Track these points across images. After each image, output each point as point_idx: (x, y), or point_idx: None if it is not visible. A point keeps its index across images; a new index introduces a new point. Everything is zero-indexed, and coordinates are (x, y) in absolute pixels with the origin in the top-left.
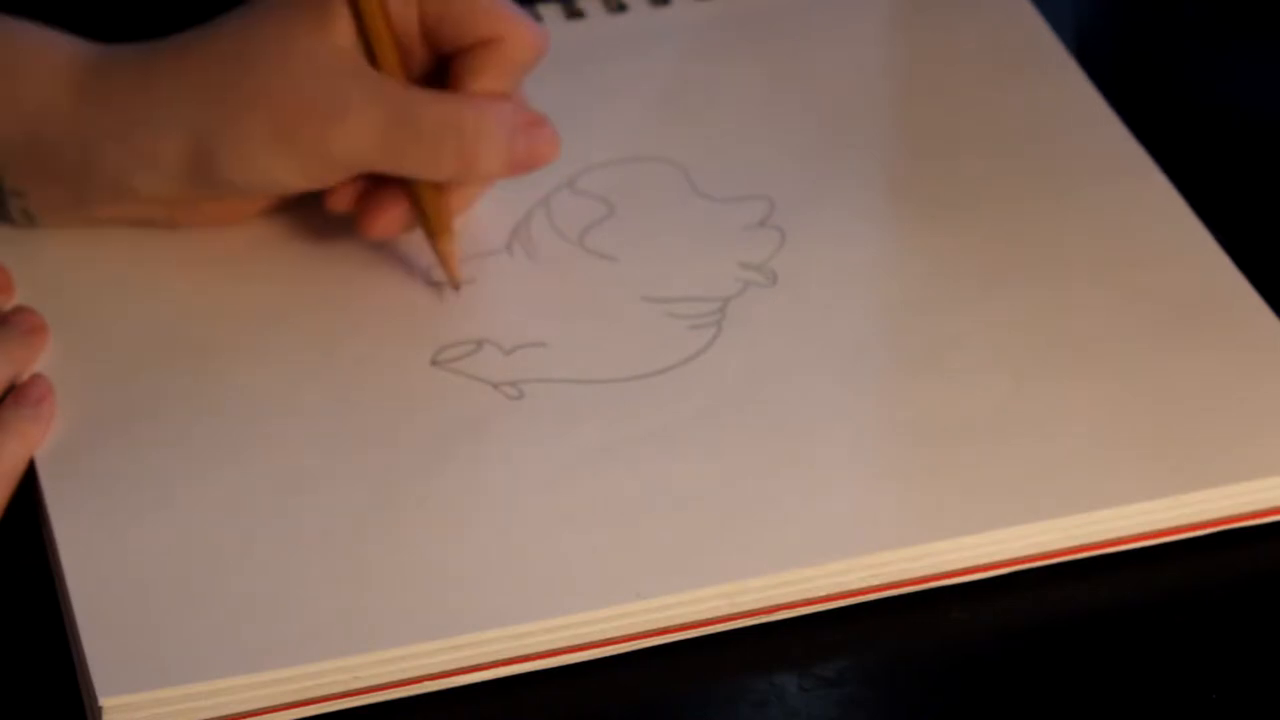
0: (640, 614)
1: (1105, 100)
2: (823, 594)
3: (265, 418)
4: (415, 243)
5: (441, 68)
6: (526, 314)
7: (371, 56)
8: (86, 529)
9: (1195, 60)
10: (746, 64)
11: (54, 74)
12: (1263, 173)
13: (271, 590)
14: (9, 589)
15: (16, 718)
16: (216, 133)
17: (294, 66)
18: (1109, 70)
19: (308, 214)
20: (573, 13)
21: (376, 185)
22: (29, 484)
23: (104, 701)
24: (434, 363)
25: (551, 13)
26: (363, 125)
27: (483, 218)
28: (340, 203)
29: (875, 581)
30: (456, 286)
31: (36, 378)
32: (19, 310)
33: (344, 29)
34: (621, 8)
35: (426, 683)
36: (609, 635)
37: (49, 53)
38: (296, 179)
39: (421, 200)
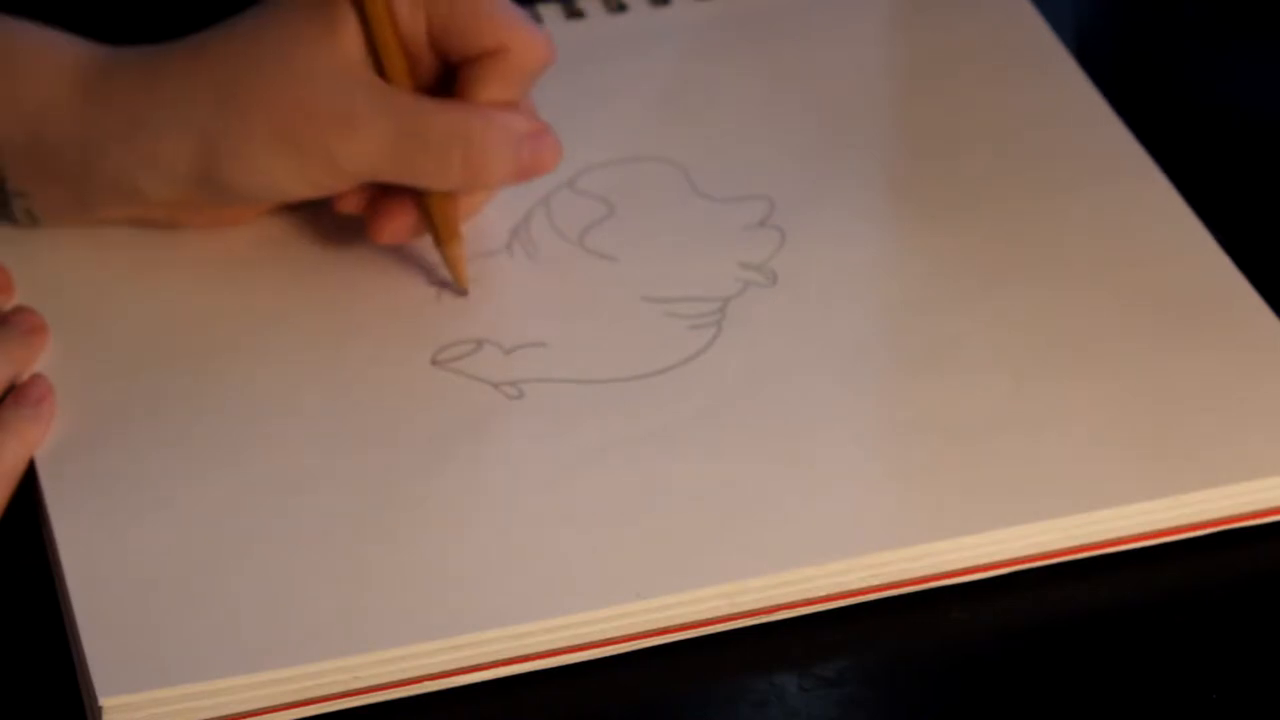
0: (640, 614)
1: (1105, 100)
2: (823, 594)
3: (265, 418)
4: (415, 243)
5: (448, 76)
6: (526, 314)
7: (379, 65)
8: (86, 529)
9: (1195, 60)
10: (746, 64)
11: (58, 75)
12: (1263, 173)
13: (271, 590)
14: (9, 589)
15: (16, 718)
16: (222, 139)
17: (301, 76)
18: (1109, 70)
19: (308, 215)
20: (573, 13)
21: (385, 191)
22: (29, 484)
23: (104, 701)
24: (434, 362)
25: (551, 13)
26: (370, 136)
27: (483, 218)
28: (349, 205)
29: (875, 581)
30: (464, 292)
31: (36, 378)
32: (19, 310)
33: (351, 38)
34: (621, 8)
35: (426, 683)
36: (609, 635)
37: (53, 54)
38: (303, 187)
39: (429, 207)
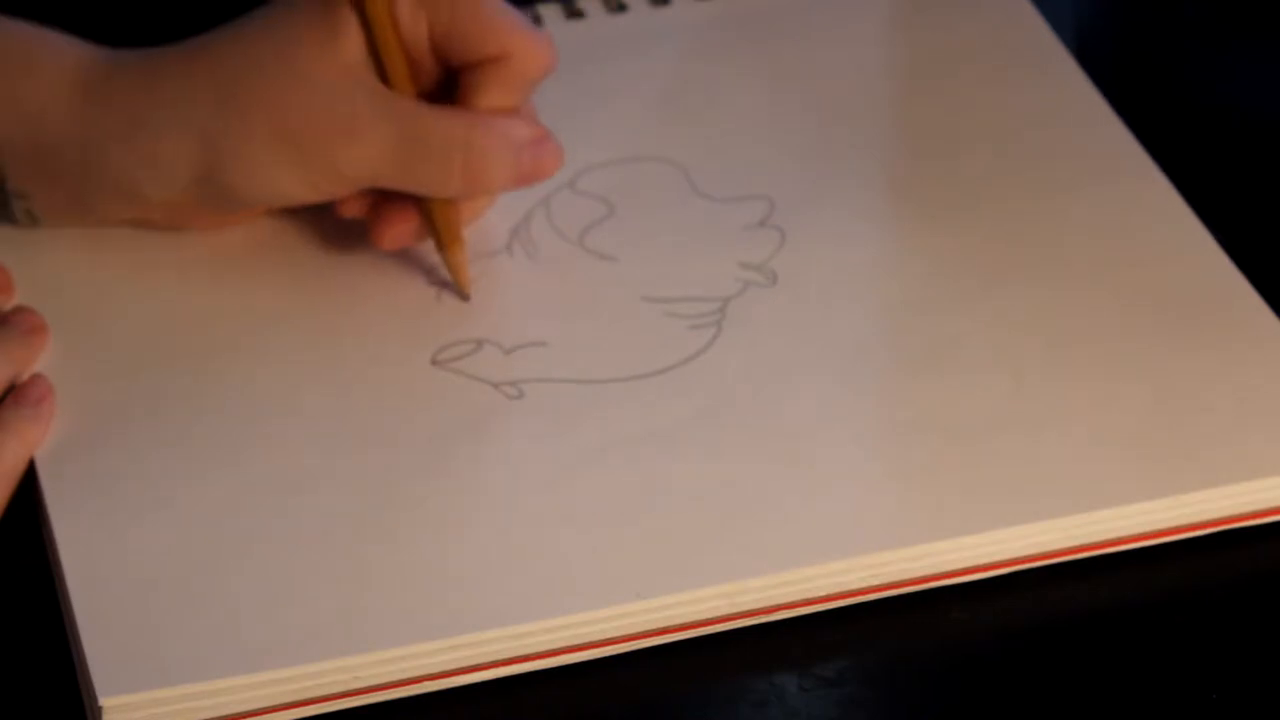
0: (640, 614)
1: (1105, 100)
2: (823, 594)
3: (265, 418)
4: (416, 244)
5: (449, 81)
6: (526, 314)
7: (380, 70)
8: (86, 529)
9: (1195, 60)
10: (746, 64)
11: (60, 76)
12: (1263, 173)
13: (271, 590)
14: (9, 589)
15: (16, 718)
16: (223, 141)
17: (302, 79)
18: (1109, 70)
19: (308, 215)
20: (573, 13)
21: (386, 196)
22: (29, 484)
23: (104, 701)
24: (434, 362)
25: (551, 13)
26: (372, 141)
27: (483, 218)
28: (351, 210)
29: (875, 581)
30: (466, 297)
31: (36, 378)
32: (19, 310)
33: (353, 42)
34: (621, 8)
35: (426, 683)
36: (609, 635)
37: (55, 55)
38: (304, 191)
39: (431, 212)
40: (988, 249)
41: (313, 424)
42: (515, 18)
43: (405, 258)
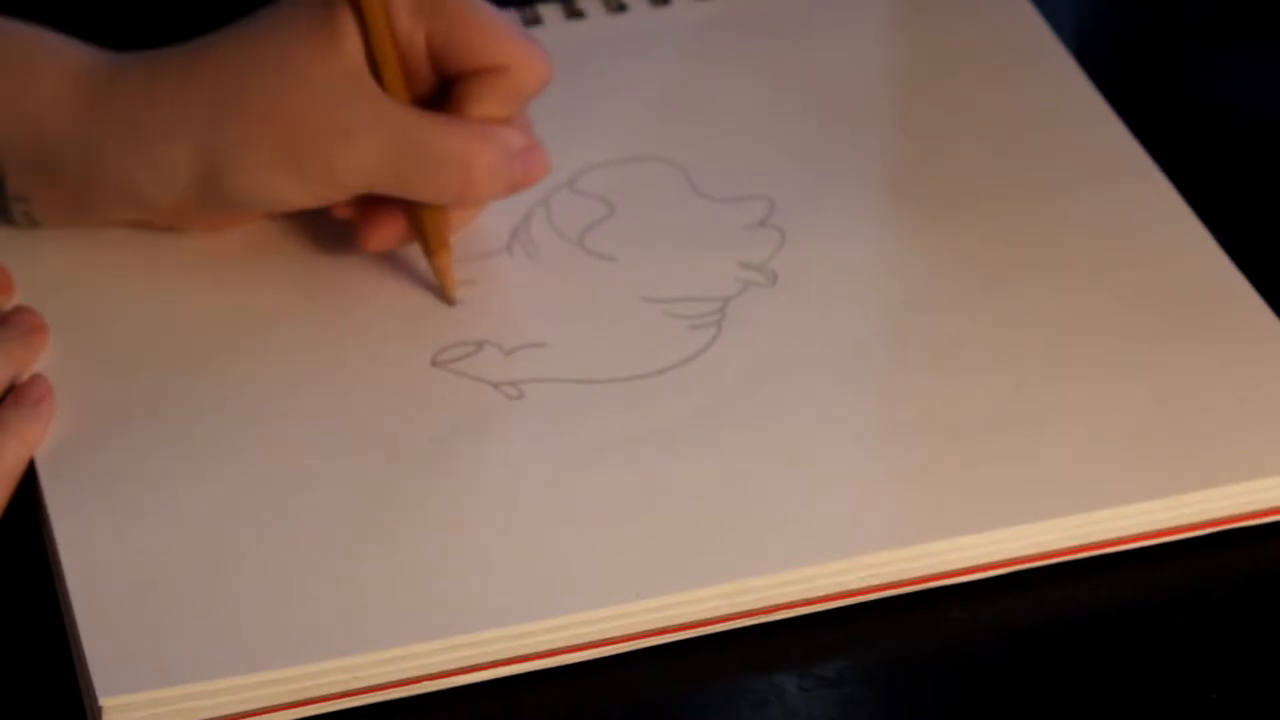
0: (640, 614)
1: (1105, 100)
2: (823, 594)
3: (265, 418)
4: (416, 245)
5: (443, 88)
6: (526, 314)
7: (376, 75)
8: (86, 529)
9: (1195, 60)
10: (746, 64)
11: (60, 79)
12: (1263, 173)
13: (271, 590)
14: (9, 589)
15: (16, 718)
16: (221, 150)
17: (302, 83)
18: (1109, 70)
19: (308, 216)
20: (573, 13)
21: (374, 199)
22: (29, 484)
23: (104, 701)
24: (434, 363)
25: (551, 13)
26: (370, 148)
27: (483, 218)
28: (341, 212)
29: (875, 581)
30: (452, 302)
31: (36, 378)
32: (19, 310)
33: (354, 46)
34: (621, 8)
35: (426, 683)
36: (609, 635)
37: (56, 58)
38: (302, 197)
39: (420, 218)
40: (988, 249)
41: (313, 424)
42: (514, 30)
43: (406, 259)
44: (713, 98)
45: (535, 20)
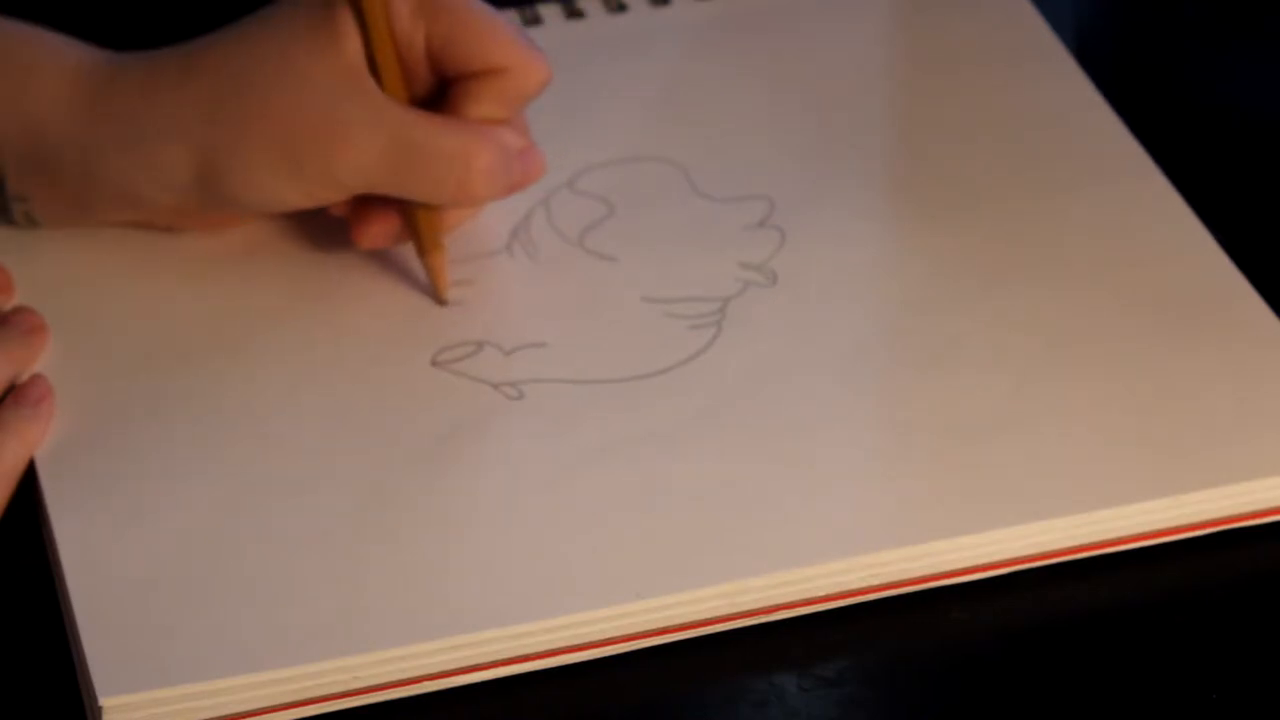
0: (640, 614)
1: (1105, 100)
2: (823, 594)
3: (265, 418)
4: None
5: (441, 88)
6: (526, 314)
7: (375, 75)
8: (86, 529)
9: (1195, 60)
10: (746, 64)
11: (60, 80)
12: (1263, 173)
13: (271, 590)
14: (9, 589)
15: (16, 718)
16: (221, 151)
17: (303, 81)
18: (1109, 70)
19: (308, 215)
20: (573, 13)
21: (369, 196)
22: (29, 484)
23: (104, 701)
24: (434, 363)
25: (551, 13)
26: (369, 148)
27: (483, 218)
28: (336, 208)
29: (875, 581)
30: (443, 303)
31: (36, 378)
32: (19, 310)
33: (354, 45)
34: (621, 8)
35: (426, 683)
36: (609, 635)
37: (56, 58)
38: (300, 198)
39: (415, 218)
40: (988, 249)
41: (313, 424)
42: (514, 32)
43: (406, 259)
44: (713, 98)
45: (535, 20)
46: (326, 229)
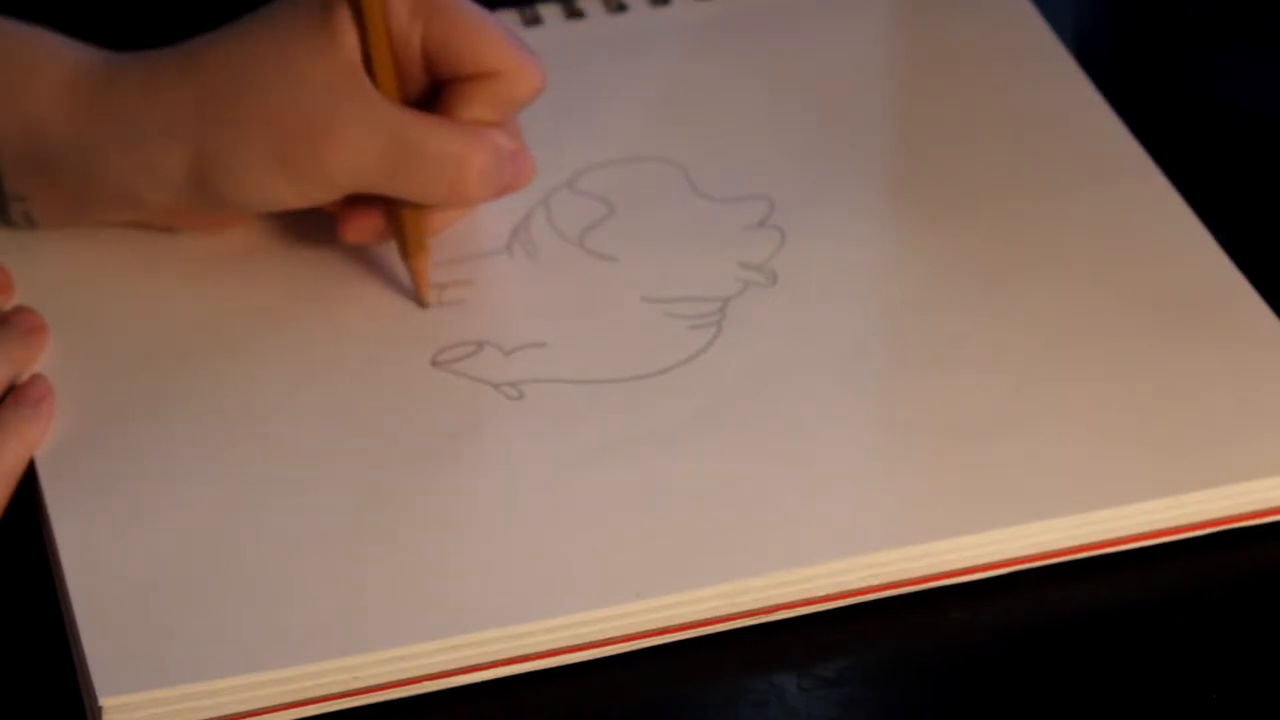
0: (640, 614)
1: (1105, 100)
2: (823, 594)
3: (265, 418)
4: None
5: (434, 89)
6: (526, 314)
7: (370, 75)
8: (86, 529)
9: (1195, 60)
10: (746, 64)
11: (59, 79)
12: (1263, 173)
13: (271, 590)
14: (9, 589)
15: (16, 718)
16: (220, 150)
17: (301, 79)
18: (1109, 70)
19: (308, 215)
20: (573, 13)
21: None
22: (29, 484)
23: (104, 701)
24: (434, 363)
25: (551, 13)
26: (364, 149)
27: (483, 218)
28: (329, 204)
29: (875, 581)
30: (424, 305)
31: (36, 378)
32: (19, 310)
33: (350, 46)
34: (621, 8)
35: (426, 683)
36: (609, 635)
37: (55, 59)
38: (296, 198)
39: (402, 219)
40: (988, 249)
41: (313, 424)
42: (510, 37)
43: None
44: (713, 98)
45: (535, 20)
46: (326, 229)
